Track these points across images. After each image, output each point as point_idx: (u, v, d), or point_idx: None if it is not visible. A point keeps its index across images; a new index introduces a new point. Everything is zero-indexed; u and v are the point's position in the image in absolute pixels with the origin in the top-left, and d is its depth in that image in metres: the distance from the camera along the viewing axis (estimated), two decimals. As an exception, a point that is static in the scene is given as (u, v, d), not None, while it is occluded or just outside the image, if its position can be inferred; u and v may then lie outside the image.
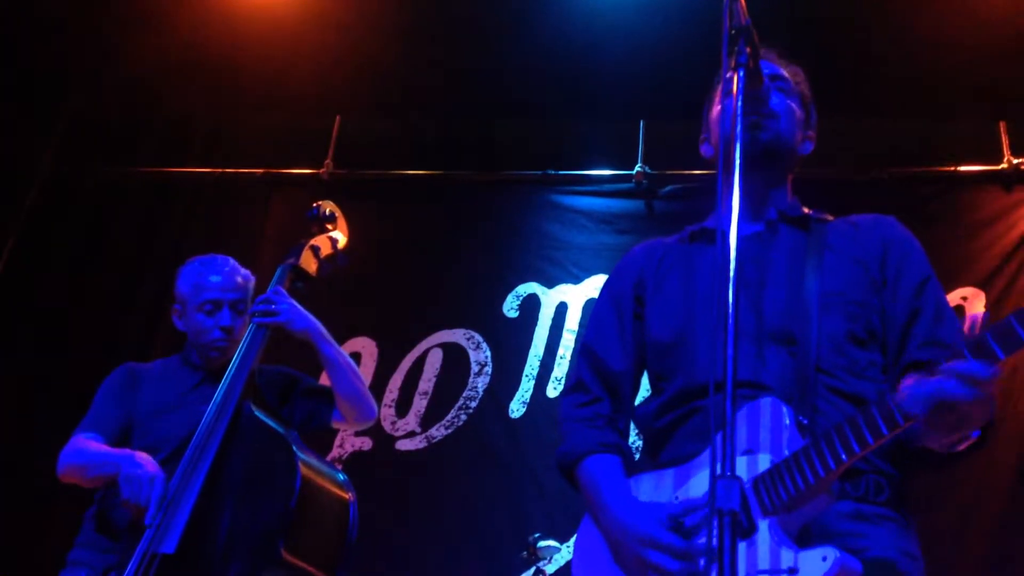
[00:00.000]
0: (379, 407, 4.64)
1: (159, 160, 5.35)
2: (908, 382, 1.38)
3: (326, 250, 2.87)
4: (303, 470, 2.30)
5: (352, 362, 2.82)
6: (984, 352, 1.31)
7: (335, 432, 4.52)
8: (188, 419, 2.70)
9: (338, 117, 5.27)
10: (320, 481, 2.39)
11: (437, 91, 5.05)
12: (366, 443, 4.57)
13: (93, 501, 2.83)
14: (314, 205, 2.95)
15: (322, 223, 2.92)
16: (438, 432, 4.59)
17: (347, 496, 2.47)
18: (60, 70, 5.08)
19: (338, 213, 2.96)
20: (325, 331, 2.76)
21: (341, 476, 2.50)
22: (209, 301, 2.81)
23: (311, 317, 2.73)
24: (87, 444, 2.65)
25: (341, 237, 2.93)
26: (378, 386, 4.71)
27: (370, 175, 5.19)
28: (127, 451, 2.54)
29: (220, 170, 5.30)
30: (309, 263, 2.82)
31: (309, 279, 2.83)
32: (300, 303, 2.74)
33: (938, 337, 1.68)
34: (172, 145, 5.38)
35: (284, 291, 2.71)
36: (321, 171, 5.16)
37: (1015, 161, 4.56)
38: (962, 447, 1.51)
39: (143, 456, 2.48)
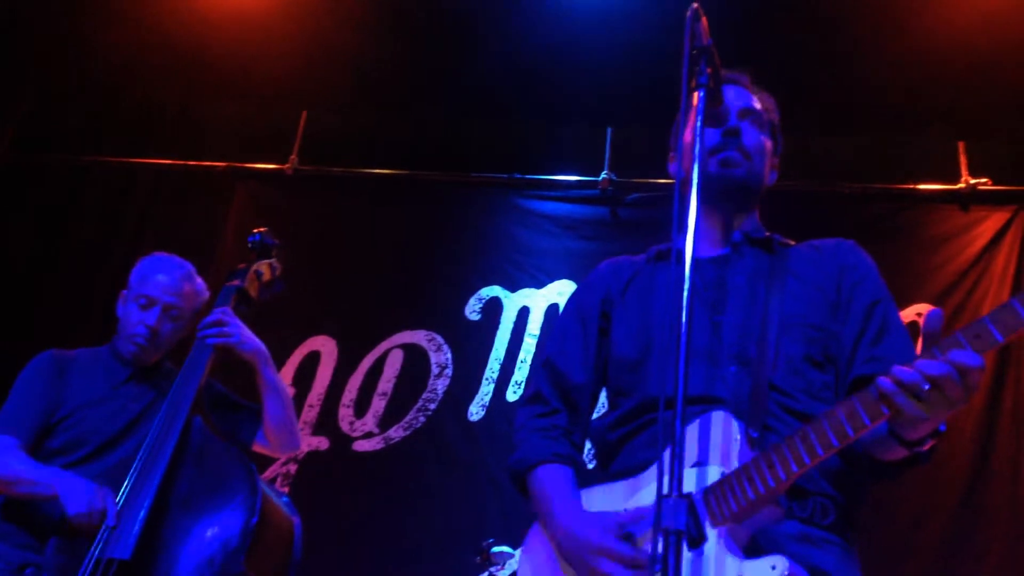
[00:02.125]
0: (338, 406, 4.65)
1: (121, 150, 5.27)
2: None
3: (267, 276, 2.93)
4: (262, 489, 2.35)
5: (288, 391, 2.87)
6: (983, 338, 1.32)
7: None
8: (116, 414, 2.71)
9: (304, 112, 5.23)
10: (272, 501, 2.43)
11: (406, 90, 5.04)
12: (323, 443, 4.54)
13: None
14: (255, 232, 2.99)
15: (264, 250, 2.97)
16: (396, 433, 4.57)
17: (292, 518, 2.51)
18: (23, 56, 4.99)
19: (278, 242, 3.02)
20: (269, 356, 2.80)
21: (285, 499, 2.55)
22: (145, 296, 2.81)
23: (258, 341, 2.77)
24: (10, 452, 2.56)
25: (278, 265, 2.99)
26: (337, 386, 4.68)
27: (335, 172, 5.16)
28: (56, 471, 2.49)
29: (183, 162, 5.24)
30: (252, 287, 2.87)
31: (251, 303, 2.87)
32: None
33: (876, 354, 1.71)
34: (135, 135, 5.30)
35: (231, 312, 2.73)
36: (286, 166, 5.12)
37: (972, 181, 4.65)
38: (927, 447, 1.52)
39: (72, 476, 2.44)
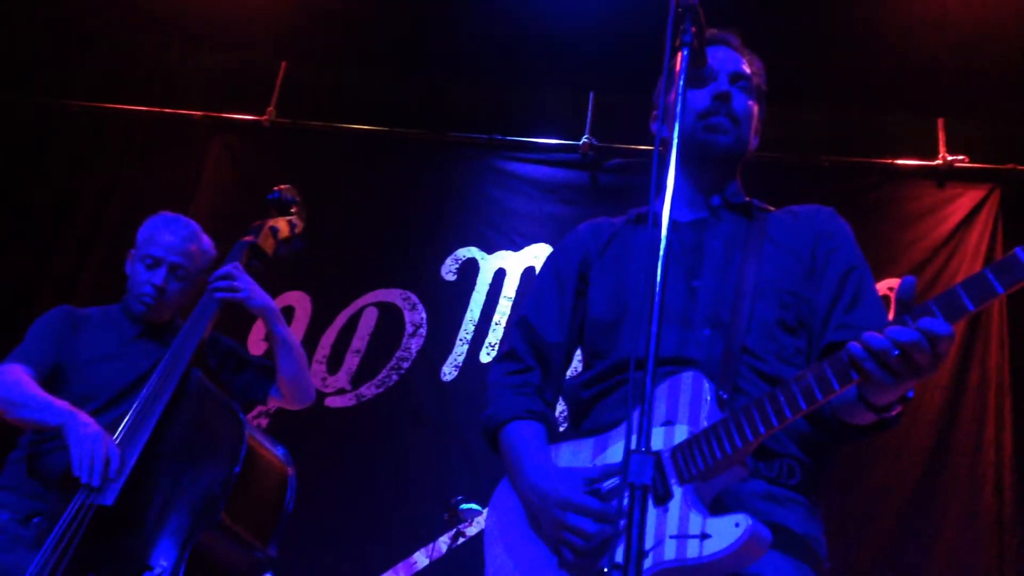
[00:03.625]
0: (310, 362, 4.63)
1: (95, 95, 5.17)
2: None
3: (284, 233, 2.94)
4: (249, 440, 2.35)
5: (300, 345, 2.89)
6: (954, 306, 1.33)
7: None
8: (125, 370, 2.74)
9: (284, 63, 5.14)
10: (263, 451, 2.44)
11: (388, 46, 4.96)
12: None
13: (16, 445, 2.79)
14: (275, 189, 3.00)
15: (282, 207, 2.98)
16: (368, 391, 4.58)
17: (287, 470, 2.52)
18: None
19: (299, 199, 3.02)
20: (279, 311, 2.82)
21: (281, 450, 2.55)
22: (151, 256, 2.84)
23: (268, 296, 2.79)
24: (22, 378, 2.60)
25: (299, 223, 2.99)
26: (310, 342, 4.67)
27: (314, 126, 5.09)
28: (66, 405, 2.51)
29: (158, 109, 5.15)
30: (267, 243, 2.88)
31: (265, 259, 2.88)
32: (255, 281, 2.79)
33: (849, 321, 1.72)
34: (110, 80, 5.19)
35: (241, 267, 2.75)
36: (263, 118, 5.05)
37: (950, 158, 4.68)
38: (894, 412, 1.54)
39: (85, 416, 2.46)
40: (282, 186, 3.02)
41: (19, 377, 2.60)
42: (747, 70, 1.95)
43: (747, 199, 1.94)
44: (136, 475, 2.31)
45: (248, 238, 2.85)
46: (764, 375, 1.70)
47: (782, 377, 1.68)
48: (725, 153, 1.88)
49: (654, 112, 2.04)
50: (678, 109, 1.52)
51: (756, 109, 1.96)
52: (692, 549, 1.44)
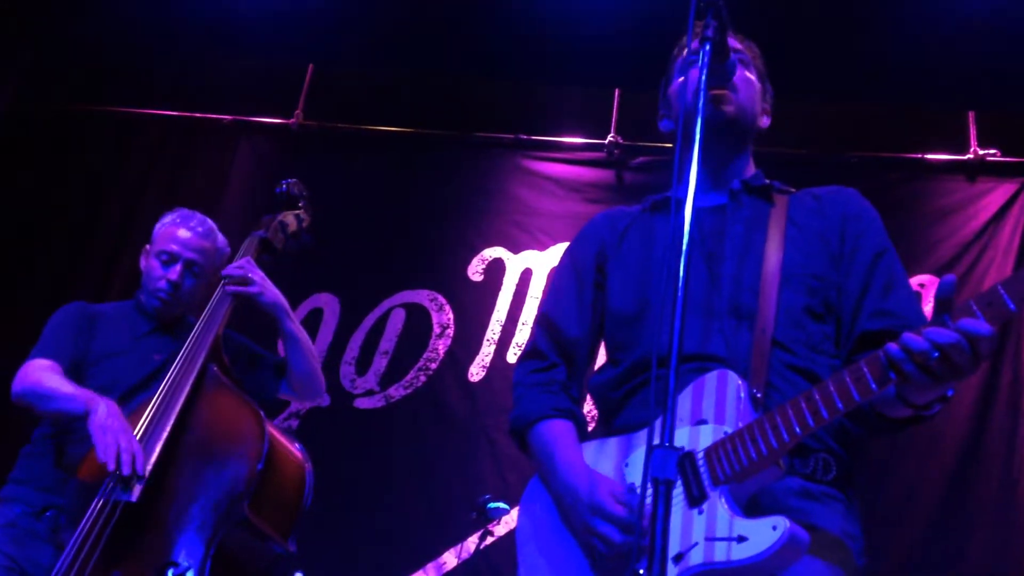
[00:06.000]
0: (339, 364, 4.66)
1: (123, 100, 5.23)
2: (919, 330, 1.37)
3: (292, 227, 2.93)
4: (269, 436, 2.37)
5: (310, 340, 2.88)
6: (996, 306, 1.31)
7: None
8: (139, 365, 2.74)
9: (311, 66, 5.18)
10: (283, 448, 2.46)
11: (413, 47, 4.98)
12: (324, 399, 4.57)
13: (30, 439, 2.79)
14: (282, 183, 2.98)
15: (291, 201, 2.97)
16: (397, 392, 4.59)
17: (305, 465, 2.53)
18: (26, 6, 4.93)
19: (306, 193, 3.00)
20: (289, 307, 2.81)
21: (298, 445, 2.56)
22: (167, 252, 2.83)
23: (279, 293, 2.78)
24: (50, 372, 2.60)
25: (306, 217, 2.98)
26: (339, 343, 4.70)
27: (341, 128, 5.12)
28: (90, 393, 2.51)
29: (186, 114, 5.20)
30: (276, 238, 2.87)
31: (275, 253, 2.88)
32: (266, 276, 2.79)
33: (886, 308, 1.68)
34: (138, 85, 5.25)
35: (254, 262, 2.75)
36: (291, 121, 5.09)
37: (981, 152, 4.61)
38: (935, 411, 1.52)
39: (111, 405, 2.46)
40: (289, 180, 2.99)
41: (44, 370, 2.61)
42: (739, 45, 1.92)
43: (767, 181, 1.90)
44: (157, 471, 2.31)
45: (259, 232, 2.85)
46: (796, 368, 1.67)
47: (813, 369, 1.66)
48: (728, 123, 1.84)
49: (662, 111, 2.03)
50: (701, 103, 1.51)
51: (756, 84, 1.92)
52: (728, 552, 1.42)
